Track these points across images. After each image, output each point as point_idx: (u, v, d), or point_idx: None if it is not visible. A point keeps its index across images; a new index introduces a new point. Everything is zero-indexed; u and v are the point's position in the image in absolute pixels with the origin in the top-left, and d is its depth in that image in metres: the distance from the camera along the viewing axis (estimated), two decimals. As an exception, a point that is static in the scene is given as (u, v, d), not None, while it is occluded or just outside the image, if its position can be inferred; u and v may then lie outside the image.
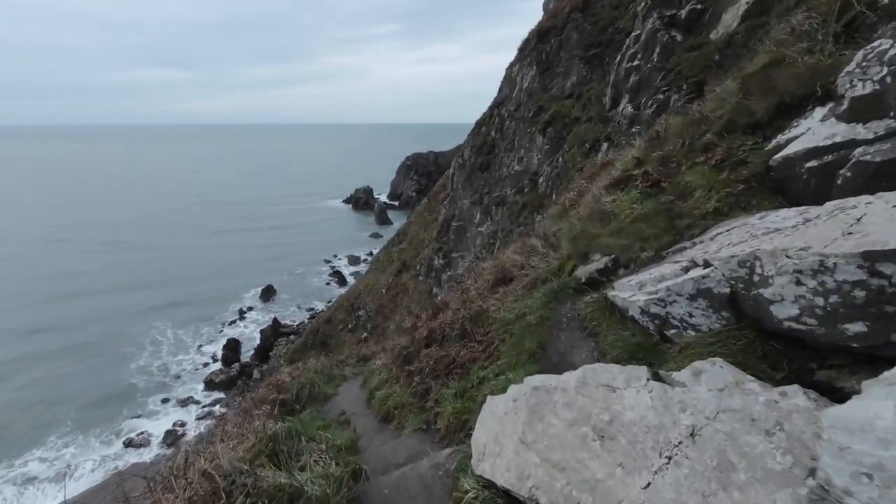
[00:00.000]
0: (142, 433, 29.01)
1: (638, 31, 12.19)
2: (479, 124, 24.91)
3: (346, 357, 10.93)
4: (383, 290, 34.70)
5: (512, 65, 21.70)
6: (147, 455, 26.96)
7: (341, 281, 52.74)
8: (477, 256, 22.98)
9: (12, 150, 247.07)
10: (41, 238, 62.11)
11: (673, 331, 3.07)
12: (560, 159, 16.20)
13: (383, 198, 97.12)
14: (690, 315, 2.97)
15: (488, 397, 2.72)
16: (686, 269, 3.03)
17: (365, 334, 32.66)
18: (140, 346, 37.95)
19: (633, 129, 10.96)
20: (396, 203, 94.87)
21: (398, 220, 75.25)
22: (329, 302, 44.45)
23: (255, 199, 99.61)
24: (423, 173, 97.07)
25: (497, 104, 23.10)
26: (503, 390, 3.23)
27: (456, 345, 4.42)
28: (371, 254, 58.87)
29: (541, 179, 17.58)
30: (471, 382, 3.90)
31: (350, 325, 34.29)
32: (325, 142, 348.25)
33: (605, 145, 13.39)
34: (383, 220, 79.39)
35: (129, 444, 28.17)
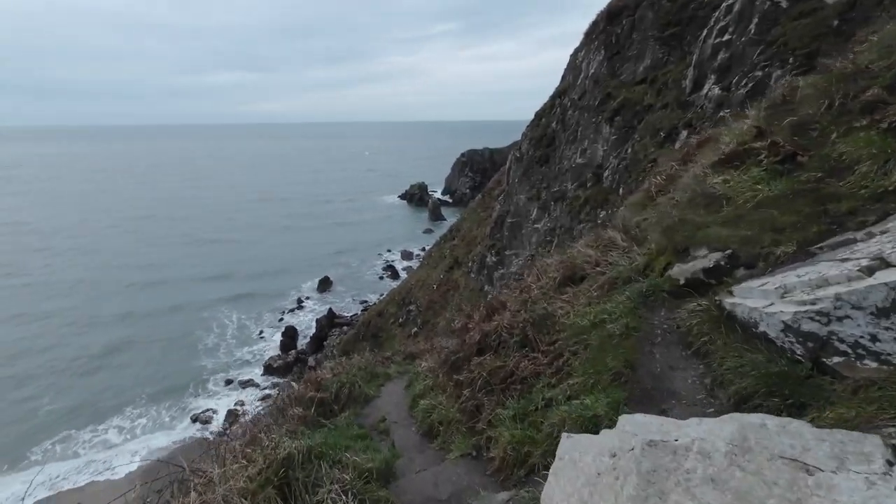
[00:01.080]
0: (206, 411, 30.77)
1: (731, 1, 10.63)
2: (538, 115, 23.68)
3: (391, 354, 10.47)
4: (434, 286, 34.35)
5: (577, 51, 20.31)
6: (211, 431, 28.49)
7: (394, 275, 53.28)
8: (532, 254, 21.86)
9: (98, 148, 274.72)
10: (120, 231, 67.97)
11: (838, 359, 2.11)
12: (629, 150, 14.78)
13: (438, 194, 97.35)
14: (874, 338, 2.00)
15: (565, 437, 1.95)
16: (869, 271, 2.05)
17: (415, 329, 32.50)
18: (208, 329, 40.38)
19: (722, 113, 9.52)
20: (450, 199, 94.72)
21: (451, 217, 74.99)
22: (381, 295, 44.93)
23: (314, 194, 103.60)
24: (477, 170, 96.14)
25: (559, 93, 21.78)
26: (581, 422, 2.42)
27: (515, 354, 3.65)
28: (424, 249, 59.00)
29: (605, 173, 16.20)
30: (534, 404, 3.11)
31: (401, 320, 34.29)
32: (383, 139, 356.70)
33: (683, 133, 11.92)
34: (437, 217, 79.48)
35: (195, 420, 29.97)
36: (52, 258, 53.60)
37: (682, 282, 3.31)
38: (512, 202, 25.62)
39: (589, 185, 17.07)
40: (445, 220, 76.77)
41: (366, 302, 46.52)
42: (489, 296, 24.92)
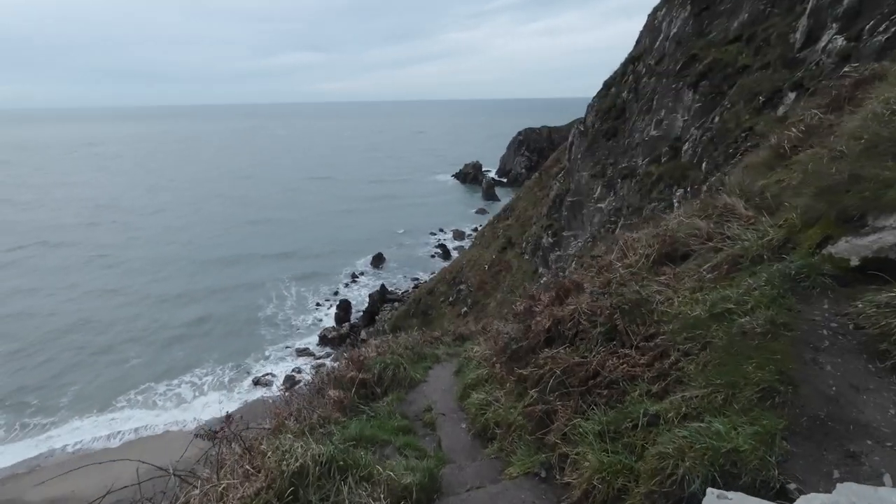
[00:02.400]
0: (266, 374, 32.49)
1: (866, -71, 8.61)
2: (607, 85, 21.73)
3: (441, 334, 9.90)
4: (486, 266, 33.56)
5: (656, 10, 18.14)
6: (270, 392, 30.02)
7: (445, 254, 53.02)
8: (593, 236, 20.38)
9: (173, 128, 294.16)
10: (192, 210, 72.22)
11: None
12: (715, 120, 12.93)
13: (492, 174, 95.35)
14: None
15: (716, 497, 1.15)
16: None
17: (465, 309, 32.04)
18: (269, 300, 42.38)
19: (848, 68, 7.71)
20: (505, 179, 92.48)
21: (505, 197, 73.14)
22: (432, 273, 44.84)
23: (369, 173, 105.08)
24: (534, 149, 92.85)
25: (632, 59, 19.73)
26: (711, 458, 1.58)
27: (599, 349, 2.81)
28: (476, 229, 58.12)
29: (685, 146, 14.41)
30: (630, 418, 2.29)
31: (451, 299, 33.95)
32: (440, 118, 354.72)
33: (790, 95, 10.07)
34: (490, 196, 77.95)
35: (257, 382, 31.69)
36: (134, 235, 58.19)
37: (855, 263, 2.29)
38: (573, 180, 24.01)
39: (664, 159, 15.33)
40: (499, 200, 75.09)
41: (417, 279, 46.71)
42: (546, 277, 23.82)
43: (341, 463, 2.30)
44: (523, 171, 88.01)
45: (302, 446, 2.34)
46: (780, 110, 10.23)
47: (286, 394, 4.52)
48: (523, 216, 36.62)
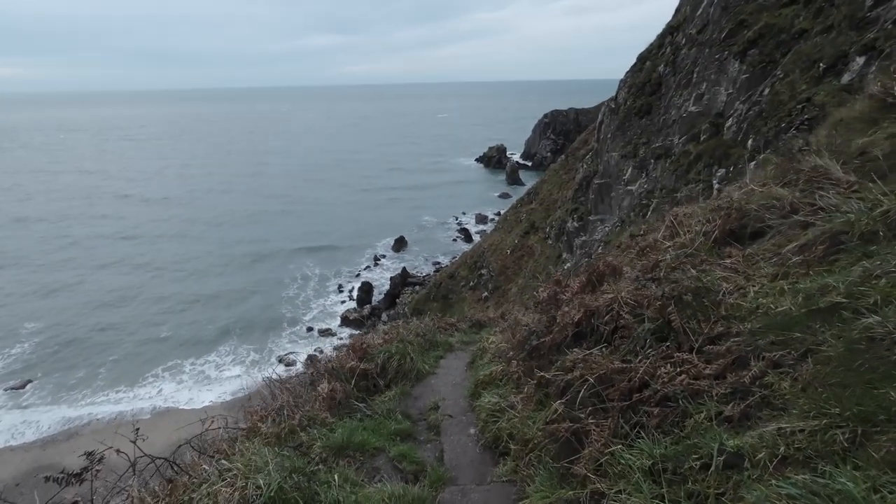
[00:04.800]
0: (289, 353, 32.96)
1: None
2: (641, 59, 20.28)
3: (457, 320, 9.31)
4: (508, 251, 32.76)
5: (699, -27, 16.59)
6: (293, 371, 30.44)
7: (467, 238, 52.36)
8: (622, 220, 19.30)
9: (206, 110, 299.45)
10: (218, 192, 73.13)
11: None
12: (765, 92, 11.68)
13: (516, 157, 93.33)
14: None
15: None
16: None
17: (485, 293, 31.46)
18: (293, 280, 42.82)
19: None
20: (529, 163, 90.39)
21: (530, 181, 71.50)
22: (454, 257, 44.33)
23: (392, 155, 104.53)
24: (560, 132, 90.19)
25: (670, 30, 18.25)
26: None
27: (648, 352, 2.13)
28: (499, 213, 57.09)
29: (728, 122, 13.17)
30: (697, 453, 1.61)
31: (472, 283, 33.38)
32: (464, 100, 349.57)
33: (858, 60, 8.84)
34: (514, 180, 76.34)
35: (280, 360, 32.18)
36: (162, 217, 59.50)
37: None
38: (601, 161, 22.78)
39: (703, 137, 14.11)
40: (523, 184, 73.49)
41: (438, 263, 46.29)
42: (570, 262, 22.95)
43: (294, 498, 1.73)
44: (549, 154, 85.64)
45: (263, 477, 1.77)
46: (845, 78, 9.03)
47: (272, 385, 4.00)
48: (547, 200, 35.49)
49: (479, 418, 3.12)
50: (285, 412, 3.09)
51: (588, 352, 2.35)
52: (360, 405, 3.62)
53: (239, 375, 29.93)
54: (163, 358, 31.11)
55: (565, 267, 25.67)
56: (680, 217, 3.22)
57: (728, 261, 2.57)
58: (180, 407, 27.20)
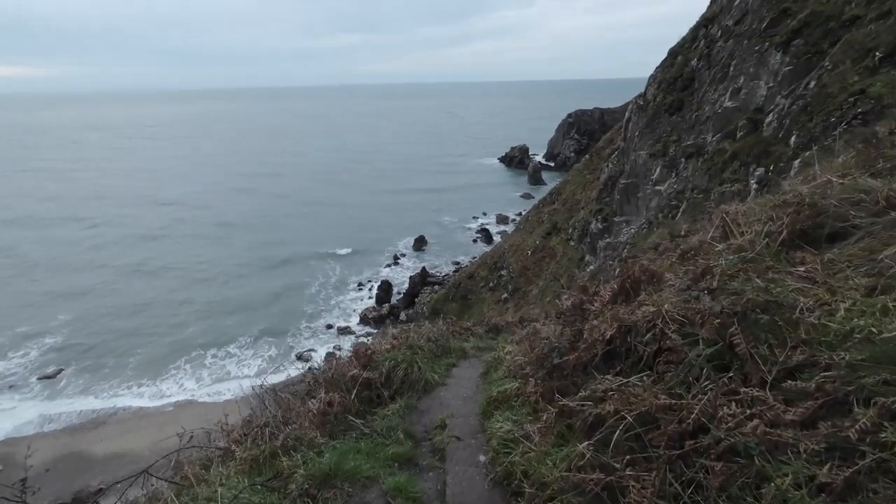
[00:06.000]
0: (308, 350, 33.16)
1: None
2: (672, 53, 19.38)
3: (472, 323, 8.87)
4: (529, 252, 32.08)
5: (738, -39, 15.66)
6: (307, 367, 30.61)
7: (487, 238, 51.83)
8: (650, 221, 18.48)
9: (225, 109, 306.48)
10: (241, 191, 74.19)
11: None
12: (810, 85, 10.80)
13: (539, 157, 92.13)
14: None
15: None
16: None
17: (505, 295, 30.90)
18: (313, 278, 43.15)
19: None
20: (552, 163, 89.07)
21: (552, 182, 70.40)
22: (474, 258, 43.87)
23: (413, 155, 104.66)
24: (585, 132, 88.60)
25: (704, 22, 17.35)
26: None
27: (706, 385, 1.65)
28: (520, 214, 56.34)
29: (768, 118, 12.30)
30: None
31: (491, 284, 32.85)
32: (489, 100, 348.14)
33: (923, 47, 8.00)
34: (536, 181, 75.31)
35: (299, 357, 32.38)
36: (186, 216, 60.77)
37: None
38: (628, 160, 21.94)
39: (740, 134, 13.25)
40: (546, 184, 72.40)
41: (458, 263, 45.92)
42: (593, 265, 22.18)
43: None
44: (572, 154, 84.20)
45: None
46: (905, 67, 8.18)
47: (264, 395, 3.64)
48: (570, 200, 34.66)
49: (491, 445, 2.69)
50: (268, 431, 2.73)
51: (624, 380, 1.89)
52: (358, 422, 3.23)
53: (257, 371, 30.28)
54: (185, 352, 31.71)
55: (588, 269, 24.88)
56: (733, 215, 2.70)
57: (801, 268, 2.05)
58: (200, 400, 27.63)
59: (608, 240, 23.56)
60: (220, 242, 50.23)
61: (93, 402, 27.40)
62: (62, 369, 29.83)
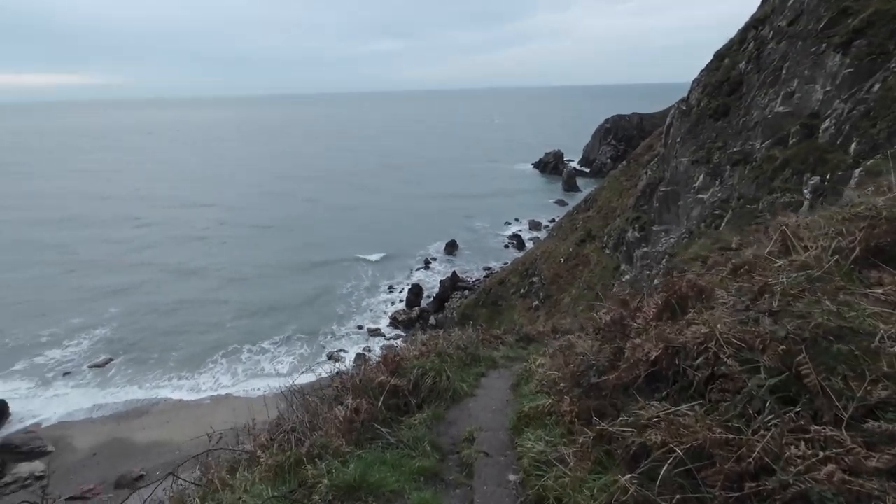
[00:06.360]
0: (339, 350, 33.68)
1: None
2: (719, 56, 18.57)
3: (503, 331, 8.69)
4: (561, 259, 31.48)
5: (793, -41, 14.84)
6: (341, 367, 31.16)
7: (519, 244, 51.27)
8: (690, 231, 17.71)
9: (271, 115, 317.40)
10: (273, 192, 76.76)
11: None
12: (874, 88, 10.05)
13: (574, 163, 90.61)
14: None
15: None
16: None
17: (536, 302, 30.41)
18: (345, 280, 43.91)
19: None
20: (587, 170, 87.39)
21: (587, 188, 69.05)
22: (505, 263, 43.49)
23: (446, 159, 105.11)
24: (622, 137, 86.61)
25: (755, 23, 16.52)
26: None
27: (769, 420, 1.47)
28: (553, 220, 55.48)
29: (825, 123, 11.52)
30: None
31: (522, 291, 32.42)
32: (524, 104, 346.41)
33: None
34: (571, 187, 74.00)
35: (329, 357, 32.94)
36: (227, 218, 63.15)
37: None
38: (668, 167, 21.14)
39: (792, 140, 12.50)
40: (580, 191, 71.07)
41: (489, 269, 45.65)
42: (629, 274, 21.50)
43: None
44: (608, 160, 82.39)
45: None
46: None
47: (292, 397, 3.63)
48: (606, 207, 33.81)
49: (521, 465, 2.55)
50: (294, 437, 2.70)
51: (672, 407, 1.72)
52: (384, 430, 3.16)
53: (289, 369, 31.05)
54: (222, 348, 32.85)
55: (624, 279, 24.12)
56: (794, 228, 2.47)
57: (879, 290, 1.83)
58: (235, 395, 28.51)
59: (645, 249, 22.77)
60: (256, 244, 51.92)
61: (137, 391, 28.77)
62: (111, 359, 31.52)
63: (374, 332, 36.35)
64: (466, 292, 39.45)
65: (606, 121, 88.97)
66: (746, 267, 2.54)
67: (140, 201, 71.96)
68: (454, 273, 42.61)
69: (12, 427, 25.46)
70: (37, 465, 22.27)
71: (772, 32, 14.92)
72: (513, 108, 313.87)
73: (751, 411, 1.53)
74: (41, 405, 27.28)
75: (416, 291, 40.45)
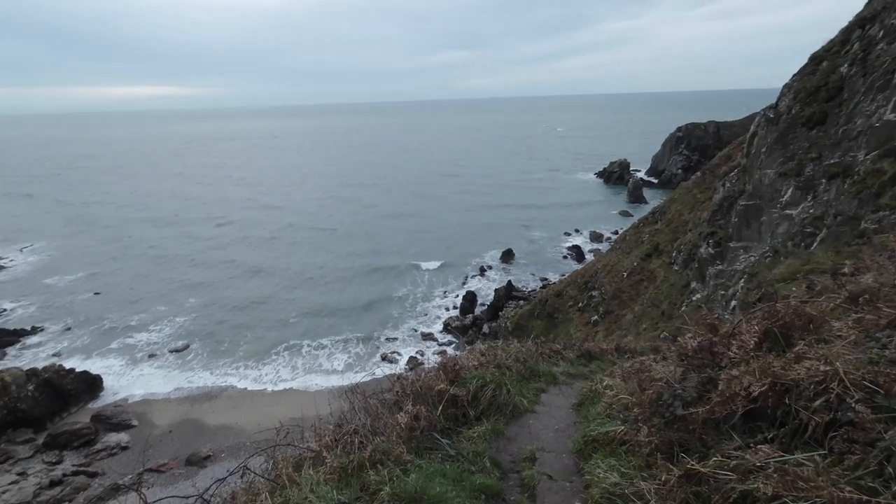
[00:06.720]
0: (393, 352, 34.34)
1: None
2: (815, 59, 16.87)
3: (563, 346, 8.35)
4: (624, 274, 30.03)
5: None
6: (396, 370, 31.71)
7: (579, 256, 49.64)
8: (775, 250, 16.15)
9: (338, 124, 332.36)
10: (339, 197, 79.85)
11: None
12: None
13: (641, 174, 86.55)
14: None
15: None
16: None
17: (595, 317, 29.20)
18: (402, 283, 44.81)
19: None
20: (656, 180, 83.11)
21: (654, 200, 65.60)
22: (563, 275, 42.24)
23: (508, 168, 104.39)
24: (696, 147, 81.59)
25: (860, 22, 14.84)
26: None
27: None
28: (616, 232, 53.23)
29: (949, 133, 10.04)
30: None
31: (580, 304, 31.28)
32: (590, 113, 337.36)
33: None
34: (637, 198, 70.63)
35: (384, 358, 33.68)
36: (296, 221, 66.68)
37: None
38: (751, 179, 19.48)
39: (906, 153, 11.01)
40: (647, 202, 67.71)
41: (546, 280, 44.58)
42: (700, 293, 20.06)
43: None
44: (679, 171, 77.86)
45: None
46: None
47: (354, 398, 3.67)
48: (676, 221, 31.86)
49: (591, 495, 2.37)
50: (357, 440, 2.71)
51: (784, 455, 1.49)
52: (444, 441, 3.09)
53: (344, 367, 32.11)
54: (285, 342, 34.66)
55: (694, 298, 22.50)
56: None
57: None
58: (294, 388, 29.89)
59: (720, 267, 21.11)
60: (320, 247, 54.46)
61: (209, 377, 31.03)
62: (189, 345, 34.31)
63: (427, 337, 36.67)
64: (521, 302, 38.76)
65: (679, 129, 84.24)
66: (867, 295, 2.21)
67: (221, 203, 78.15)
68: (509, 282, 42.05)
69: (105, 400, 28.40)
70: (122, 437, 24.63)
71: (882, 32, 13.31)
72: (576, 116, 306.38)
73: (890, 470, 1.28)
74: (129, 382, 30.23)
75: (469, 298, 40.36)
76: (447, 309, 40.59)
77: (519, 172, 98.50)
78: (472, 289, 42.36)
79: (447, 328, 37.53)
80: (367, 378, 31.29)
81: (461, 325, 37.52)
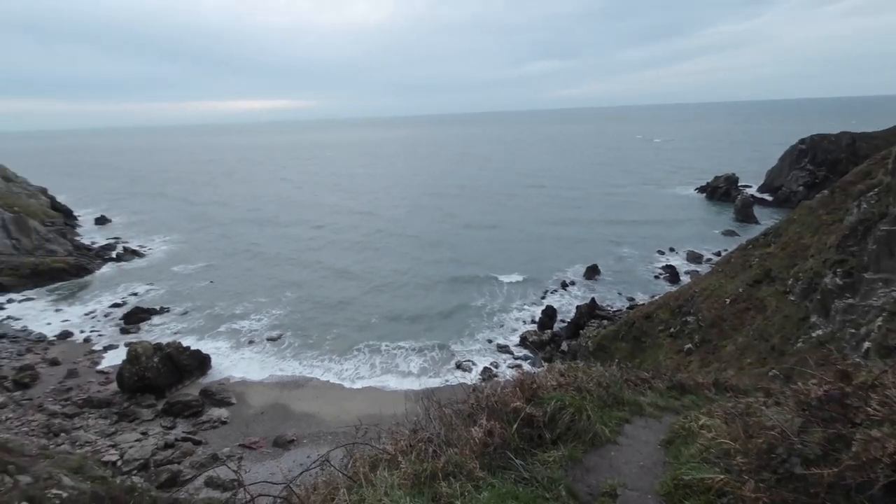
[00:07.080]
0: (467, 361, 34.41)
1: None
2: None
3: (651, 374, 7.67)
4: (727, 300, 27.10)
5: None
6: (469, 379, 31.72)
7: (673, 277, 45.84)
8: (927, 286, 13.49)
9: (429, 133, 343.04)
10: (424, 206, 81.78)
11: None
12: None
13: (752, 190, 77.90)
14: None
15: None
16: None
17: (689, 346, 26.66)
18: (481, 293, 44.87)
19: None
20: (770, 198, 74.27)
21: (767, 219, 58.49)
22: (653, 296, 39.26)
23: (599, 180, 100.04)
24: (823, 161, 71.58)
25: None
26: None
27: None
28: (719, 254, 48.34)
29: None
30: None
31: (672, 329, 28.78)
32: (693, 123, 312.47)
33: None
34: (746, 217, 63.63)
35: (458, 366, 33.89)
36: (384, 227, 69.71)
37: None
38: (895, 201, 16.57)
39: None
40: (758, 223, 60.74)
41: (633, 300, 41.78)
42: (822, 329, 17.42)
43: None
44: (800, 188, 68.78)
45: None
46: None
47: (429, 404, 3.70)
48: (794, 244, 28.08)
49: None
50: (431, 448, 2.72)
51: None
52: (518, 462, 3.00)
53: (419, 370, 32.85)
54: (366, 341, 36.39)
55: (814, 334, 19.60)
56: None
57: None
58: (371, 385, 31.19)
59: (850, 301, 18.17)
60: (404, 254, 56.55)
61: (297, 367, 33.55)
62: (282, 335, 37.50)
63: (503, 349, 36.17)
64: (605, 322, 36.69)
65: (801, 141, 74.64)
66: None
67: (317, 207, 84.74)
68: (593, 300, 40.05)
69: (212, 377, 32.01)
70: (223, 412, 27.51)
71: None
72: (678, 126, 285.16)
73: None
74: (231, 364, 33.74)
75: (549, 314, 39.12)
76: (524, 322, 39.75)
77: (609, 185, 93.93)
78: (552, 304, 41.05)
79: (524, 342, 36.69)
80: (441, 385, 31.75)
81: (538, 341, 36.46)
